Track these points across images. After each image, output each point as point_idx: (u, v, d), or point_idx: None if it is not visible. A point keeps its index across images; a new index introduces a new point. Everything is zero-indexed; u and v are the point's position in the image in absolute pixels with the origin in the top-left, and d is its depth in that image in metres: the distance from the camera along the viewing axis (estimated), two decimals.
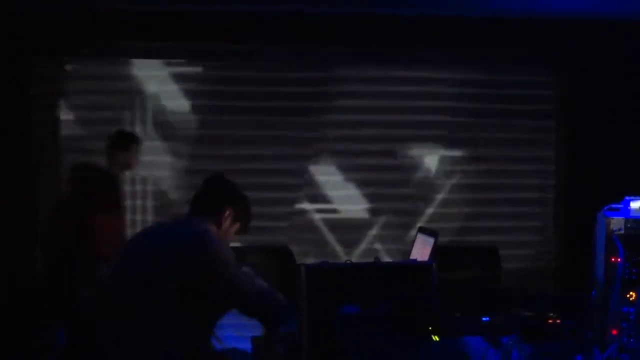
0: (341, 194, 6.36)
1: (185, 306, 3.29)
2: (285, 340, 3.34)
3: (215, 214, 3.55)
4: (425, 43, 6.16)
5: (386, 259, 6.02)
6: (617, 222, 3.05)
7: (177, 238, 3.44)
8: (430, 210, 6.38)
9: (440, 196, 6.41)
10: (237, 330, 3.88)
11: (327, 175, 6.33)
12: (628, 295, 3.05)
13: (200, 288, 3.31)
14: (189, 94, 6.23)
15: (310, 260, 6.01)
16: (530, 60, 6.40)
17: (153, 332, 3.29)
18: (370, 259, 4.61)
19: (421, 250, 4.01)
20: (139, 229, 5.56)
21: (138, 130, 6.09)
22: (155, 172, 6.17)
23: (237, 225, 3.63)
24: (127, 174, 5.86)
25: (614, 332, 3.04)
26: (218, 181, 3.68)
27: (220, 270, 3.35)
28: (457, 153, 6.41)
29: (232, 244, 5.22)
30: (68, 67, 6.12)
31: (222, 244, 3.45)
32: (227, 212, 3.56)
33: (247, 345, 3.67)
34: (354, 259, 6.10)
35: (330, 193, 6.35)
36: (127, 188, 6.07)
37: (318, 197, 6.34)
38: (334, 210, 6.36)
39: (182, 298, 3.29)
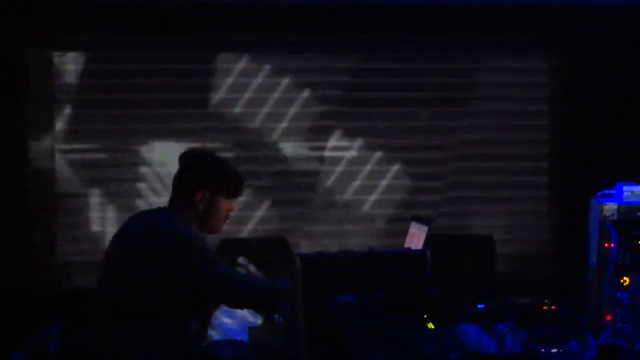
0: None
1: (158, 303, 3.25)
2: (282, 330, 3.35)
3: (186, 200, 3.42)
4: (416, 31, 6.16)
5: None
6: (610, 208, 3.07)
7: (139, 232, 3.37)
8: (423, 197, 6.39)
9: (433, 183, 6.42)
10: (234, 319, 3.89)
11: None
12: (622, 281, 3.07)
13: (163, 284, 3.22)
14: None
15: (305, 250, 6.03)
16: (523, 46, 6.40)
17: (135, 328, 3.27)
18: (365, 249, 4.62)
19: (416, 238, 4.03)
20: None
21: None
22: None
23: (223, 201, 3.47)
24: None
25: (608, 317, 3.06)
26: (186, 161, 3.52)
27: (179, 264, 3.23)
28: (449, 139, 6.40)
29: (228, 236, 5.29)
30: (66, 60, 6.11)
31: (184, 236, 3.30)
32: (199, 195, 3.41)
33: (244, 335, 3.68)
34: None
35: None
36: None
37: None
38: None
39: (151, 297, 3.24)
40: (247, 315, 3.79)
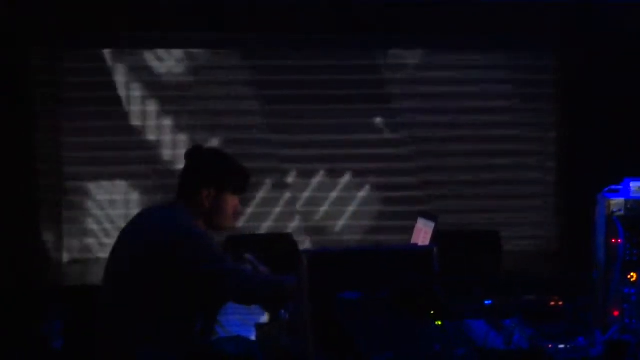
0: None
1: (164, 300, 3.25)
2: (288, 326, 3.34)
3: (192, 197, 3.41)
4: (425, 29, 6.15)
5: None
6: (617, 203, 3.06)
7: (145, 229, 3.37)
8: (430, 193, 6.39)
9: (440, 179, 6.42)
10: (240, 316, 3.89)
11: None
12: (629, 276, 3.06)
13: (168, 280, 3.21)
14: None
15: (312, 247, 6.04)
16: (530, 44, 6.40)
17: (140, 324, 3.27)
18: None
19: (422, 234, 4.02)
20: None
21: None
22: None
23: (229, 197, 3.45)
24: None
25: (616, 313, 3.05)
26: (191, 158, 3.50)
27: (186, 260, 3.23)
28: (457, 136, 6.40)
29: (235, 232, 5.29)
30: (67, 59, 6.11)
31: (189, 232, 3.29)
32: (205, 192, 3.39)
33: (250, 332, 3.67)
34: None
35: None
36: None
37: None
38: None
39: (156, 293, 3.25)
40: (253, 312, 3.79)
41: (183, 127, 6.18)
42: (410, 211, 6.12)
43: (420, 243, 3.96)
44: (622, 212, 3.05)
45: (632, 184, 3.07)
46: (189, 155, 3.54)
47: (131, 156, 6.18)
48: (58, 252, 6.09)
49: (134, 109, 6.17)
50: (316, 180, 6.33)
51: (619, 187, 3.11)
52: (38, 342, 5.28)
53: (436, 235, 3.83)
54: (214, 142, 6.07)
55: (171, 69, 6.20)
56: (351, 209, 6.37)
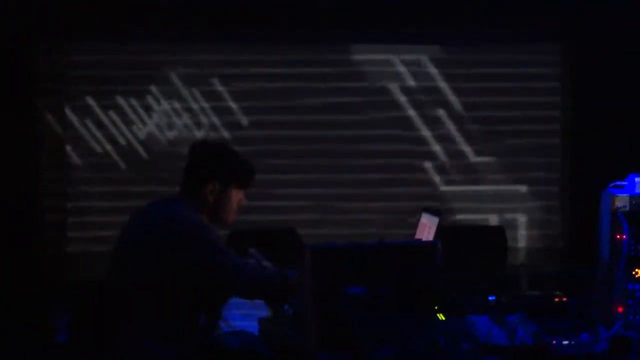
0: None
1: (168, 293, 3.25)
2: (291, 321, 3.35)
3: (197, 192, 3.42)
4: (424, 21, 6.14)
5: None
6: (622, 199, 3.05)
7: (149, 222, 3.37)
8: (435, 189, 6.38)
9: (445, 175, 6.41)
10: (244, 311, 3.89)
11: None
12: (634, 272, 3.05)
13: (173, 274, 3.22)
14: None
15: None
16: (535, 37, 6.38)
17: (144, 318, 3.27)
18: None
19: (426, 229, 4.02)
20: None
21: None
22: None
23: (234, 192, 3.46)
24: None
25: (620, 309, 3.04)
26: (196, 152, 3.51)
27: (190, 254, 3.24)
28: (461, 132, 6.39)
29: (240, 227, 5.29)
30: (71, 53, 6.11)
31: (194, 227, 3.31)
32: (209, 187, 3.41)
33: (254, 326, 3.68)
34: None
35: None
36: None
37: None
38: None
39: (160, 287, 3.25)
40: (256, 307, 3.79)
41: (192, 124, 6.18)
42: (417, 206, 6.13)
43: (424, 238, 3.96)
44: (627, 208, 3.04)
45: (637, 180, 3.07)
46: (193, 150, 3.54)
47: (135, 149, 6.19)
48: (63, 246, 6.09)
49: (143, 102, 6.18)
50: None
51: (624, 183, 3.10)
52: (45, 337, 5.29)
53: (440, 230, 3.84)
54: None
55: (179, 63, 6.20)
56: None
